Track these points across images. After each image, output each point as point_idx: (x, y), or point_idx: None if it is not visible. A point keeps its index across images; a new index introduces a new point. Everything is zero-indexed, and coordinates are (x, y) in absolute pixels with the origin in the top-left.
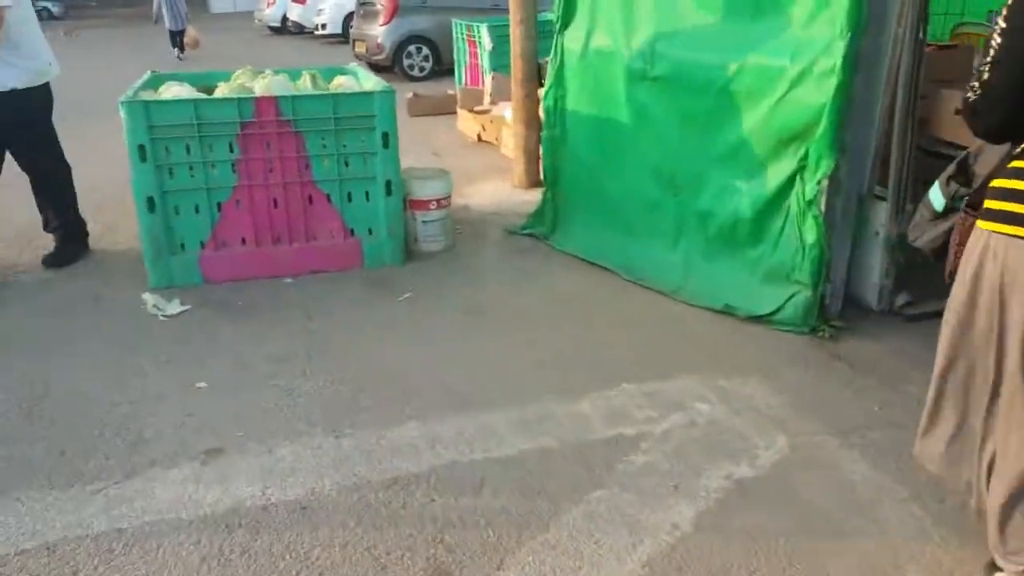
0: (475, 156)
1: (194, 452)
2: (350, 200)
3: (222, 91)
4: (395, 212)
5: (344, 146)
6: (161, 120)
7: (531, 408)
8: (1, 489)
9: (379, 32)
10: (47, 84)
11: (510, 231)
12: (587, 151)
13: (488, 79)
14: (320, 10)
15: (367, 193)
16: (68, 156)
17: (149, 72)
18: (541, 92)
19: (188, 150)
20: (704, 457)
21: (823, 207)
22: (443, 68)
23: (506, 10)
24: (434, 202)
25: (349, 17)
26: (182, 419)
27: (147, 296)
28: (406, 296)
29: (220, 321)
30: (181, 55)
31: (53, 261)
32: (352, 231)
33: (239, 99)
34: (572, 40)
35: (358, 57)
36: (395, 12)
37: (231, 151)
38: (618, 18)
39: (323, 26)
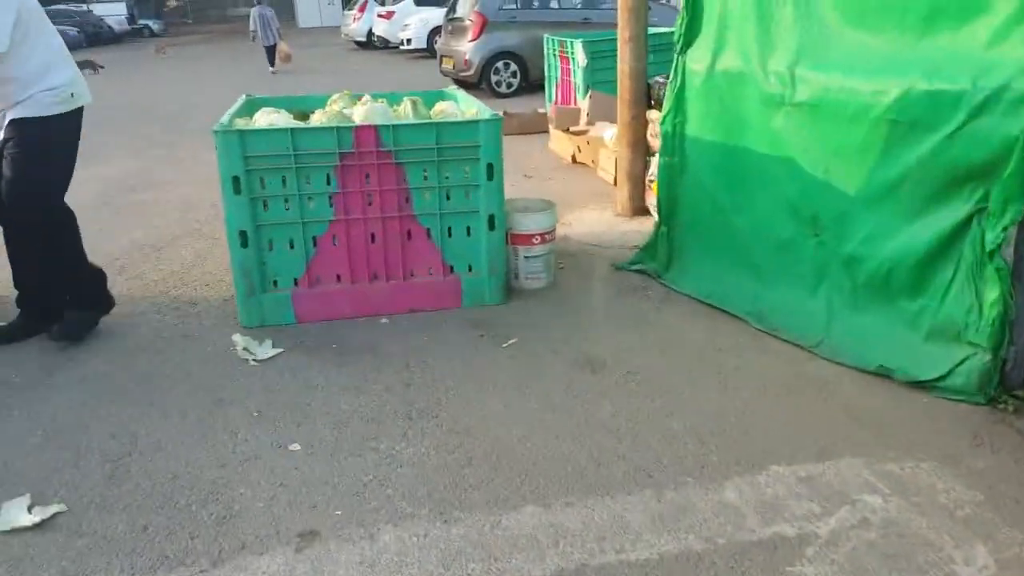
0: (571, 179)
1: (288, 535)
2: (450, 235)
3: (318, 119)
4: (497, 248)
5: (446, 178)
6: (256, 150)
7: (668, 495)
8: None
9: (467, 48)
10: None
11: (617, 266)
12: (711, 183)
13: (585, 98)
14: (405, 25)
15: (468, 228)
16: (161, 172)
17: (244, 96)
18: (650, 115)
19: (284, 182)
20: (887, 572)
21: (1010, 258)
22: (531, 84)
23: (598, 24)
24: (538, 236)
25: (434, 32)
26: (274, 490)
27: (238, 338)
28: (511, 343)
29: (314, 368)
30: (273, 69)
31: (64, 333)
32: (451, 268)
33: (338, 128)
34: (695, 61)
35: (444, 73)
36: (484, 28)
37: (328, 183)
38: (751, 36)
39: (408, 41)
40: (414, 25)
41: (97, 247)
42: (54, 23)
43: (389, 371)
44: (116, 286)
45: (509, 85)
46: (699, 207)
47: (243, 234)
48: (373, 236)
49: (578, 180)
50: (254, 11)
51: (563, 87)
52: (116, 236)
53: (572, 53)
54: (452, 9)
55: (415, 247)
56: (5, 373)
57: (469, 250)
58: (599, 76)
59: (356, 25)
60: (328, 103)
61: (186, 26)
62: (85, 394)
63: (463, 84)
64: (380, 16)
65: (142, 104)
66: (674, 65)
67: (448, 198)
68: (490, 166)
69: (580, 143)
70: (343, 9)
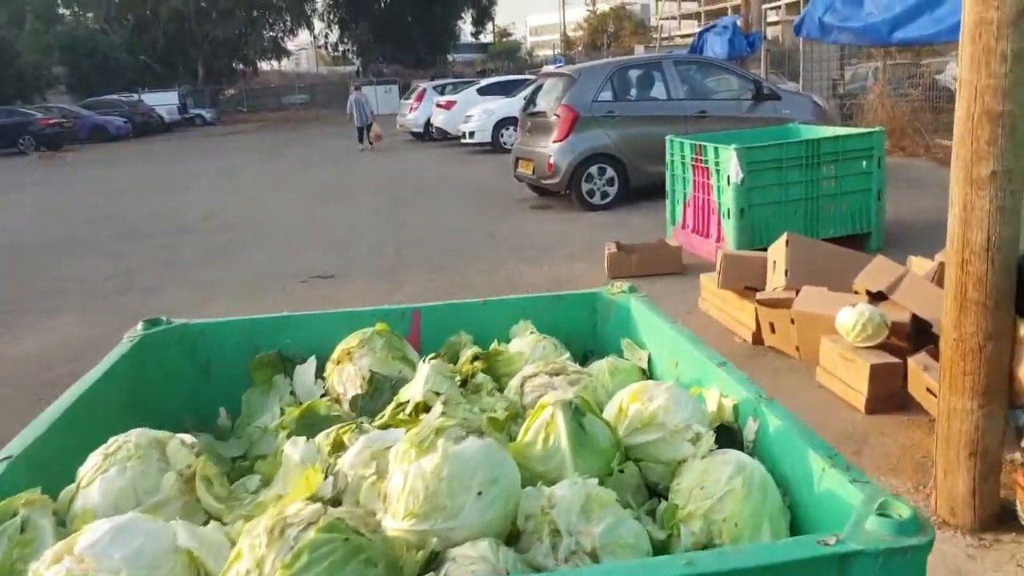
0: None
1: None
2: None
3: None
4: None
5: None
6: None
7: None
8: None
9: (551, 149)
10: None
11: None
12: None
13: (780, 244)
14: (468, 117)
15: None
16: None
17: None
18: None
19: None
20: None
21: None
22: (631, 192)
23: (717, 120)
24: None
25: (500, 125)
26: None
27: None
28: None
29: None
30: (362, 147)
31: None
32: None
33: None
34: None
35: (520, 178)
36: (574, 125)
37: None
38: None
39: (470, 134)
40: (477, 116)
41: None
42: (103, 113)
43: None
44: None
45: (604, 195)
46: None
47: None
48: None
49: (789, 390)
50: (351, 96)
51: (697, 207)
52: None
53: (716, 163)
54: (531, 102)
55: None
56: None
57: None
58: (756, 197)
59: (413, 115)
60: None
61: (240, 114)
62: None
63: (545, 192)
64: (439, 106)
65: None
66: None
67: None
68: None
69: (774, 318)
70: (400, 98)
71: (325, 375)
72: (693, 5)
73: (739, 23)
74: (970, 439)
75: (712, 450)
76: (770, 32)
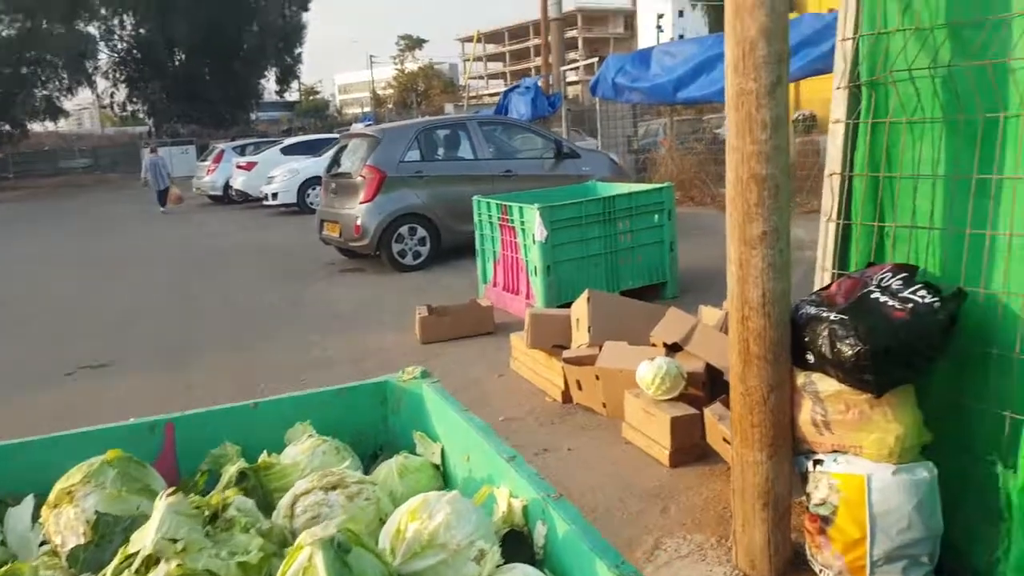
0: (580, 443)
1: None
2: None
3: None
4: None
5: None
6: None
7: None
8: None
9: (358, 211)
10: None
11: None
12: None
13: (582, 301)
14: (271, 177)
15: None
16: None
17: None
18: (810, 377)
19: None
20: None
21: None
22: (444, 251)
23: (524, 178)
24: None
25: (306, 185)
26: None
27: None
28: None
29: None
30: (163, 209)
31: None
32: None
33: None
34: None
35: (327, 241)
36: (381, 185)
37: None
38: None
39: (274, 195)
40: (281, 176)
41: None
42: None
43: None
44: None
45: (417, 255)
46: None
47: None
48: None
49: (597, 447)
50: (146, 159)
51: (507, 266)
52: None
53: (522, 222)
54: (335, 163)
55: None
56: None
57: None
58: (561, 254)
59: (210, 177)
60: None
61: (6, 182)
62: None
63: (354, 254)
64: (239, 167)
65: None
66: None
67: None
68: None
69: (580, 376)
70: (197, 159)
71: (41, 521)
72: (499, 65)
73: (540, 84)
74: (763, 490)
75: (498, 566)
76: (571, 91)
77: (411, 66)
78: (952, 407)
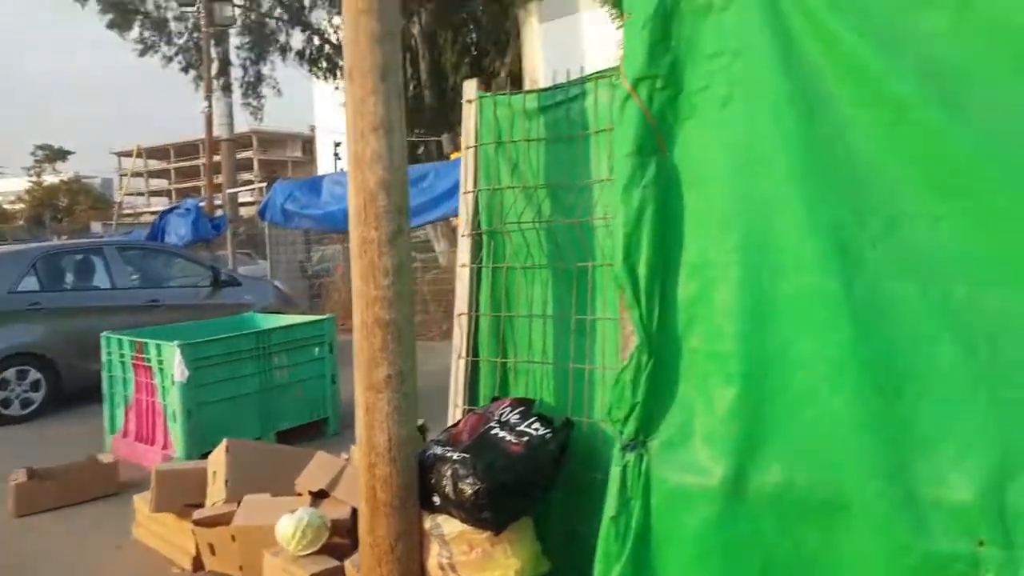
0: None
1: None
2: None
3: None
4: None
5: None
6: None
7: None
8: None
9: None
10: None
11: None
12: None
13: (220, 452)
14: None
15: None
16: None
17: None
18: (436, 519)
19: None
20: None
21: None
22: (65, 396)
23: (173, 309)
24: None
25: None
26: None
27: None
28: None
29: None
30: None
31: None
32: None
33: None
34: None
35: None
36: None
37: None
38: None
39: None
40: None
41: None
42: None
43: None
44: None
45: (27, 403)
46: None
47: None
48: None
49: None
50: None
51: (141, 412)
52: None
53: (160, 361)
54: None
55: None
56: None
57: None
58: (207, 395)
59: None
60: None
61: None
62: None
63: None
64: None
65: None
66: None
67: None
68: None
69: (214, 538)
70: None
71: None
72: (164, 182)
73: (204, 205)
74: None
75: None
76: (246, 212)
77: (51, 179)
78: (568, 534)
